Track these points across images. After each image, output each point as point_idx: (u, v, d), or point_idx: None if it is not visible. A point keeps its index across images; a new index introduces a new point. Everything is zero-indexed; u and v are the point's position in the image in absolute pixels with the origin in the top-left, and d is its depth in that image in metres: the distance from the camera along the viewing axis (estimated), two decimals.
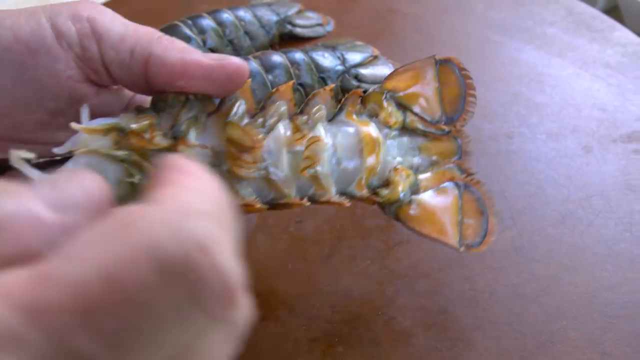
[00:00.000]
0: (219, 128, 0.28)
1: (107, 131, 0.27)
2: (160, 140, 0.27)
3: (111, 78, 0.29)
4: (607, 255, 0.36)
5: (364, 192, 0.29)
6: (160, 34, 0.28)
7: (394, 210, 0.30)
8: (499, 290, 0.35)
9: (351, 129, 0.30)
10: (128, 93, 0.31)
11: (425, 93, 0.31)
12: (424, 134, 0.32)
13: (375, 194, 0.30)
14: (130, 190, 0.27)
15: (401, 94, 0.31)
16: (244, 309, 0.15)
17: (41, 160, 0.28)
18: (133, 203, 0.14)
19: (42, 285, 0.12)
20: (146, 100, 0.30)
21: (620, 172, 0.41)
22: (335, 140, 0.29)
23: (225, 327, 0.14)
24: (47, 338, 0.12)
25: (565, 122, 0.46)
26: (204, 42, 0.50)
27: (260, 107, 0.29)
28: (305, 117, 0.29)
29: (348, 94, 0.31)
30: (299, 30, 0.56)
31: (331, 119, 0.30)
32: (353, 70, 0.49)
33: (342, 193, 0.29)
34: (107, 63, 0.28)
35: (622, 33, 0.54)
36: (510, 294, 0.35)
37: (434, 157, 0.32)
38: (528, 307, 0.34)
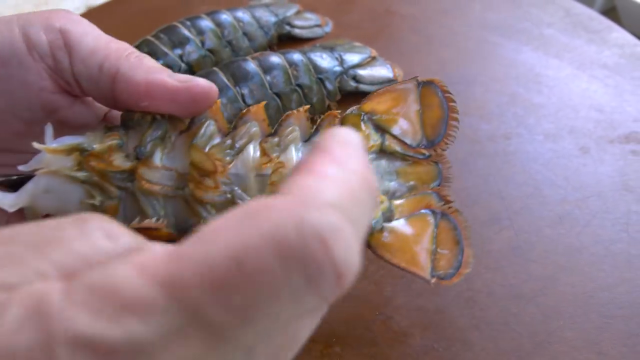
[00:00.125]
0: (186, 149, 0.28)
1: (69, 151, 0.26)
2: (121, 163, 0.27)
3: (82, 91, 0.28)
4: (604, 256, 0.36)
5: None
6: (132, 50, 0.28)
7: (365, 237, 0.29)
8: (496, 290, 0.35)
9: None
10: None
11: (406, 116, 0.30)
12: (403, 158, 0.31)
13: None
14: (93, 212, 0.27)
15: (380, 116, 0.30)
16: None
17: (7, 178, 0.28)
18: None
19: (177, 262, 0.14)
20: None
21: (617, 173, 0.41)
22: None
23: (321, 310, 0.16)
24: (179, 308, 0.13)
25: (563, 123, 0.46)
26: (203, 42, 0.50)
27: (232, 127, 0.29)
28: (276, 139, 0.28)
29: (324, 115, 0.30)
30: (297, 31, 0.56)
31: (307, 139, 0.29)
32: (351, 71, 0.49)
33: None
34: (76, 75, 0.27)
35: (620, 34, 0.54)
36: (507, 294, 0.35)
37: (412, 182, 0.31)
38: (525, 307, 0.34)
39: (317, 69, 0.47)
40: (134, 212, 0.28)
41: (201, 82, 0.27)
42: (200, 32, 0.51)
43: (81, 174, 0.27)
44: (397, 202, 0.30)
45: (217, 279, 0.13)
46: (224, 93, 0.43)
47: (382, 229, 0.29)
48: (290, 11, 0.58)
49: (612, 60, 0.51)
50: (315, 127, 0.30)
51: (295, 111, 0.29)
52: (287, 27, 0.56)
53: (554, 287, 0.35)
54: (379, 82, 0.50)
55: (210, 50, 0.51)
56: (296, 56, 0.47)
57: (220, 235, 0.14)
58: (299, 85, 0.46)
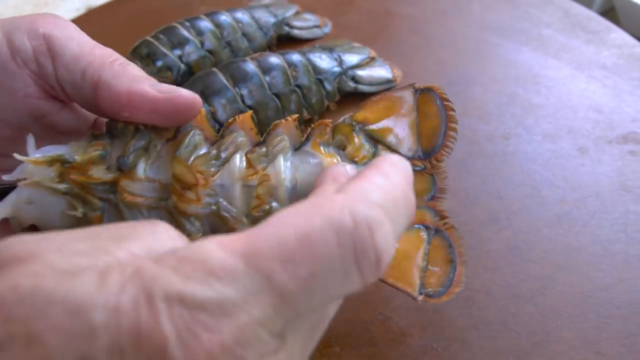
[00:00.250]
0: (171, 159, 0.27)
1: (50, 162, 0.26)
2: (101, 175, 0.26)
3: (67, 97, 0.28)
4: (602, 256, 0.36)
5: None
6: (116, 57, 0.27)
7: None
8: (494, 290, 0.35)
9: (314, 161, 0.28)
10: None
11: (400, 126, 0.29)
12: None
13: None
14: (76, 223, 0.26)
15: (372, 126, 0.29)
16: None
17: None
18: None
19: (254, 240, 0.17)
20: None
21: (615, 173, 0.41)
22: (296, 173, 0.27)
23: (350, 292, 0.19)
24: (256, 274, 0.16)
25: (561, 124, 0.46)
26: (202, 43, 0.51)
27: (219, 136, 0.28)
28: (264, 149, 0.28)
29: (315, 123, 0.29)
30: (296, 32, 0.56)
31: (297, 148, 0.29)
32: (350, 72, 0.49)
33: None
34: (60, 81, 0.27)
35: (618, 35, 0.54)
36: (505, 294, 0.35)
37: None
38: (523, 307, 0.34)
39: (316, 69, 0.47)
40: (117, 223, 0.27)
41: (184, 93, 0.26)
42: (199, 33, 0.51)
43: (62, 186, 0.26)
44: None
45: (288, 252, 0.16)
46: (223, 93, 0.43)
47: None
48: (290, 12, 0.58)
49: (611, 60, 0.51)
50: (305, 136, 0.29)
51: (283, 120, 0.28)
52: (286, 28, 0.56)
53: (553, 287, 0.35)
54: (378, 83, 0.50)
55: (210, 51, 0.51)
56: (295, 57, 0.47)
57: (289, 219, 0.17)
58: (298, 86, 0.46)
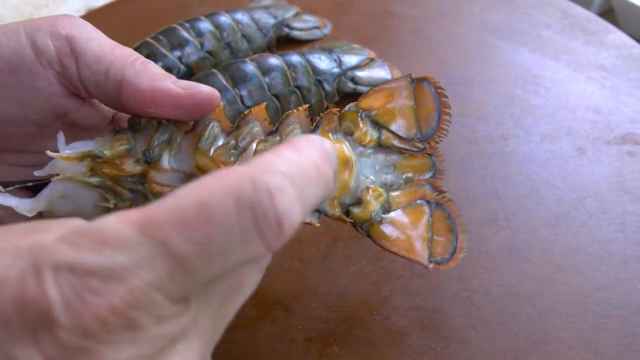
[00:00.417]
0: (192, 150, 0.29)
1: (81, 158, 0.27)
2: (131, 168, 0.28)
3: (90, 95, 0.29)
4: (600, 256, 0.36)
5: (337, 211, 0.30)
6: (136, 56, 0.29)
7: (365, 228, 0.30)
8: (493, 290, 0.35)
9: None
10: None
11: (401, 111, 0.32)
12: (399, 151, 0.32)
13: (347, 212, 0.30)
14: (107, 214, 0.28)
15: (376, 112, 0.32)
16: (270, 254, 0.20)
17: (24, 184, 0.29)
18: None
19: (151, 210, 0.17)
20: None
21: (613, 174, 0.42)
22: None
23: (257, 262, 0.20)
24: (149, 240, 0.16)
25: (560, 124, 0.46)
26: (202, 44, 0.51)
27: (235, 127, 0.30)
28: (277, 138, 0.30)
29: (323, 112, 0.31)
30: (296, 33, 0.57)
31: None
32: (349, 73, 0.49)
33: (315, 211, 0.30)
34: (84, 81, 0.28)
35: (617, 36, 0.54)
36: (504, 294, 0.35)
37: (408, 174, 0.32)
38: (522, 307, 0.34)
39: (315, 70, 0.47)
40: None
41: (204, 89, 0.28)
42: (199, 34, 0.51)
43: (94, 179, 0.28)
44: (394, 193, 0.31)
45: (183, 218, 0.17)
46: (223, 94, 0.43)
47: (381, 220, 0.30)
48: (289, 13, 0.58)
49: (609, 61, 0.51)
50: (315, 124, 0.31)
51: (295, 110, 0.30)
52: (286, 29, 0.56)
53: (551, 287, 0.35)
54: (377, 84, 0.50)
55: (209, 52, 0.51)
56: (295, 58, 0.47)
57: (190, 190, 0.17)
58: (297, 87, 0.46)
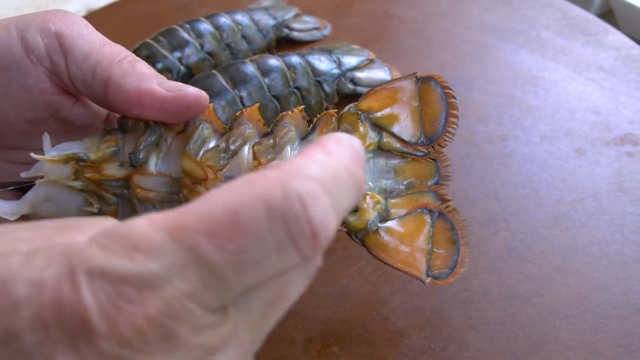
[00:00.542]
0: (181, 152, 0.28)
1: (66, 160, 0.27)
2: (115, 172, 0.27)
3: (79, 93, 0.29)
4: (599, 257, 0.36)
5: None
6: (125, 55, 0.28)
7: (360, 237, 0.29)
8: (492, 290, 0.35)
9: None
10: None
11: (403, 113, 0.30)
12: (401, 155, 0.30)
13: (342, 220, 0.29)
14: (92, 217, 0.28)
15: (377, 114, 0.30)
16: (318, 259, 0.19)
17: (8, 187, 0.28)
18: None
19: (182, 215, 0.16)
20: None
21: (612, 175, 0.42)
22: None
23: (304, 269, 0.19)
24: (182, 248, 0.16)
25: (559, 125, 0.46)
26: (202, 45, 0.51)
27: (228, 128, 0.29)
28: (271, 141, 0.28)
29: (320, 114, 0.30)
30: (295, 34, 0.57)
31: (304, 137, 0.29)
32: (349, 74, 0.49)
33: None
34: (72, 79, 0.28)
35: (616, 37, 0.54)
36: (503, 295, 0.35)
37: (410, 180, 0.30)
38: (521, 307, 0.34)
39: (315, 71, 0.47)
40: (131, 216, 0.28)
41: (191, 91, 0.27)
42: (199, 35, 0.51)
43: (78, 183, 0.27)
44: (394, 200, 0.30)
45: (215, 226, 0.16)
46: (222, 95, 0.44)
47: (377, 230, 0.29)
48: (289, 14, 0.58)
49: (608, 62, 0.52)
50: (312, 125, 0.30)
51: (290, 112, 0.29)
52: (286, 30, 0.56)
53: (550, 287, 0.35)
54: (377, 85, 0.50)
55: (209, 53, 0.51)
56: (294, 59, 0.47)
57: (219, 195, 0.17)
58: (297, 88, 0.46)
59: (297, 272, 0.19)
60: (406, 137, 0.30)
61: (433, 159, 0.30)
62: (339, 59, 0.50)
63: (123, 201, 0.28)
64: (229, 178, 0.27)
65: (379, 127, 0.30)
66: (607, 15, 0.68)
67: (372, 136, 0.30)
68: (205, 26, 0.52)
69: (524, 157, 0.44)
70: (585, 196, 0.40)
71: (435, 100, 0.30)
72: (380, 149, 0.30)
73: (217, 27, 0.52)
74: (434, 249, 0.29)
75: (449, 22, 0.59)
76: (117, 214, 0.28)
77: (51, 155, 0.27)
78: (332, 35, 0.58)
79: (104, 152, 0.27)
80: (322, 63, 0.48)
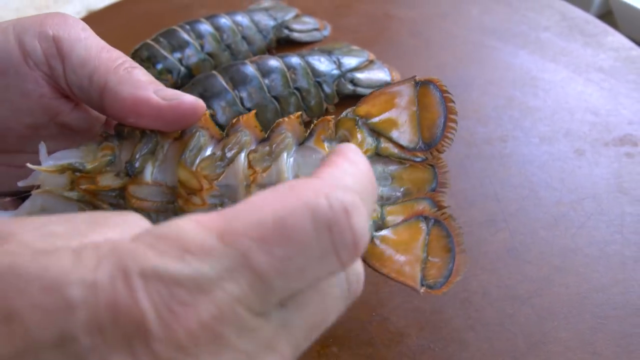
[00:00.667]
0: (177, 161, 0.27)
1: (62, 170, 0.26)
2: (110, 182, 0.27)
3: (77, 98, 0.29)
4: (598, 257, 0.37)
5: None
6: (122, 61, 0.28)
7: None
8: (491, 291, 0.35)
9: (317, 157, 0.28)
10: None
11: (402, 118, 0.29)
12: (399, 161, 0.30)
13: None
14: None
15: (375, 119, 0.29)
16: (360, 289, 0.21)
17: (4, 197, 0.28)
18: None
19: (231, 219, 0.17)
20: None
21: (612, 175, 0.42)
22: (299, 169, 0.28)
23: (345, 293, 0.20)
24: (232, 252, 0.16)
25: (558, 126, 0.46)
26: (202, 46, 0.51)
27: (225, 134, 0.28)
28: (267, 148, 0.28)
29: (318, 119, 0.29)
30: (295, 35, 0.57)
31: (301, 143, 0.29)
32: (349, 75, 0.49)
33: None
34: (70, 84, 0.28)
35: (615, 38, 0.54)
36: (502, 295, 0.35)
37: (407, 187, 0.30)
38: (520, 308, 0.34)
39: (315, 72, 0.48)
40: None
41: (187, 100, 0.27)
42: (199, 36, 0.51)
43: (73, 194, 0.27)
44: (390, 207, 0.29)
45: (264, 232, 0.17)
46: (222, 96, 0.44)
47: (372, 239, 0.28)
48: (289, 15, 0.58)
49: (608, 63, 0.52)
50: (309, 131, 0.29)
51: (286, 118, 0.29)
52: (286, 31, 0.57)
53: (549, 288, 0.35)
54: (377, 86, 0.50)
55: (210, 54, 0.51)
56: (294, 60, 0.47)
57: (266, 201, 0.17)
58: (297, 89, 0.46)
59: (339, 296, 0.20)
60: (404, 143, 0.30)
61: (431, 165, 0.30)
62: (338, 59, 0.50)
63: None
64: (225, 186, 0.27)
65: (377, 132, 0.30)
66: (607, 16, 0.68)
67: (370, 142, 0.30)
68: (205, 27, 0.52)
69: (524, 157, 0.44)
70: (584, 197, 0.40)
71: (434, 104, 0.29)
72: (377, 155, 0.30)
73: (218, 28, 0.52)
74: (429, 258, 0.29)
75: (449, 23, 0.59)
76: None
77: (47, 166, 0.26)
78: (332, 36, 0.58)
79: (100, 162, 0.27)
80: (322, 64, 0.49)
